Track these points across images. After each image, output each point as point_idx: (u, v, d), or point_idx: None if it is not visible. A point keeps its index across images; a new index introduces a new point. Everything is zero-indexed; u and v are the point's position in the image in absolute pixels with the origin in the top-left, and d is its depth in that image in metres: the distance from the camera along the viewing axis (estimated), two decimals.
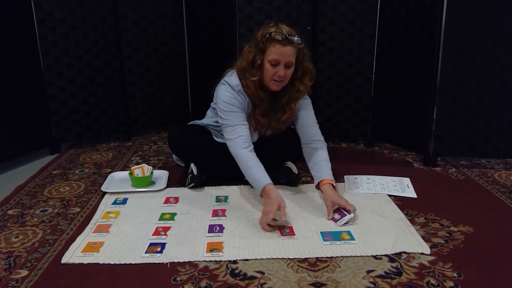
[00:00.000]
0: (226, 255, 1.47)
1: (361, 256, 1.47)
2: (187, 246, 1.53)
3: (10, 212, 1.82)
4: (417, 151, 2.47)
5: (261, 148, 2.05)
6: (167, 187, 2.03)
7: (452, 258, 1.46)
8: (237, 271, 1.39)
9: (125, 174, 2.13)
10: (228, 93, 1.85)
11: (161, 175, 2.13)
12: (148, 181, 2.03)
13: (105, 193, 1.98)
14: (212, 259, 1.45)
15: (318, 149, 1.93)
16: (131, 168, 2.04)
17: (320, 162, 1.89)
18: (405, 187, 2.01)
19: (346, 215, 1.66)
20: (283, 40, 1.72)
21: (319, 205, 1.84)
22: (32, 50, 2.39)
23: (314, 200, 1.89)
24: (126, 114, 2.76)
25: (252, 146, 1.85)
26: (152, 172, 2.05)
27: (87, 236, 1.61)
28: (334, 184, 1.82)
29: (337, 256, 1.46)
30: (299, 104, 1.94)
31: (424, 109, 2.30)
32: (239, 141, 1.81)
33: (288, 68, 1.78)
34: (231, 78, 1.88)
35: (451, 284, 1.32)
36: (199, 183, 2.01)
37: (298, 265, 1.42)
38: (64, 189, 2.05)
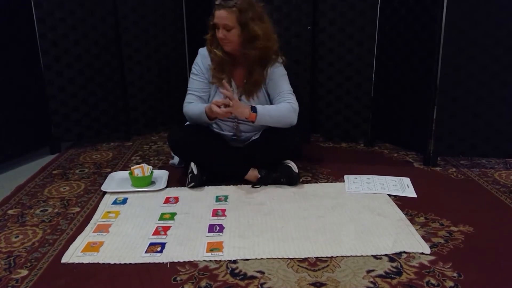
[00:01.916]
0: (226, 255, 1.47)
1: (361, 255, 1.47)
2: (187, 246, 1.53)
3: (10, 212, 1.82)
4: (417, 151, 2.47)
5: (259, 147, 2.07)
6: (167, 187, 2.03)
7: (452, 258, 1.46)
8: (237, 271, 1.39)
9: (125, 174, 2.13)
10: (195, 60, 2.10)
11: (161, 175, 2.13)
12: (148, 181, 2.03)
13: (105, 193, 1.98)
14: (212, 258, 1.45)
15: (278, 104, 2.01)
16: (131, 168, 2.04)
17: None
18: (405, 187, 2.01)
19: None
20: (219, 5, 1.88)
21: (319, 204, 1.84)
22: (32, 49, 2.39)
23: (314, 200, 1.89)
24: (126, 114, 2.76)
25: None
26: (152, 172, 2.05)
27: (87, 236, 1.61)
28: (255, 114, 1.90)
29: (337, 256, 1.47)
30: (271, 72, 2.02)
31: (424, 109, 2.30)
32: (187, 103, 2.07)
33: (228, 30, 1.90)
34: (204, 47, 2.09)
35: (451, 284, 1.32)
36: (199, 182, 2.01)
37: (298, 265, 1.42)
38: (64, 189, 2.05)
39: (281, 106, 1.99)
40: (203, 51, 2.08)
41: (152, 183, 2.06)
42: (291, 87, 2.07)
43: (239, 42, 1.93)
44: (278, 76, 2.04)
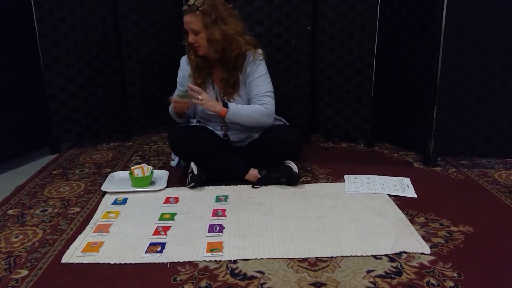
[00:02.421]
0: (226, 255, 1.47)
1: (361, 256, 1.47)
2: (187, 246, 1.53)
3: (10, 212, 1.82)
4: (417, 151, 2.47)
5: (259, 147, 2.07)
6: (167, 187, 2.03)
7: (452, 258, 1.46)
8: (237, 271, 1.39)
9: (125, 174, 2.13)
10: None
11: (161, 175, 2.13)
12: (148, 181, 2.03)
13: (105, 193, 1.98)
14: (212, 259, 1.45)
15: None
16: (131, 168, 2.04)
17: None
18: (405, 187, 2.01)
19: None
20: (184, 10, 1.93)
21: (319, 205, 1.84)
22: (32, 49, 2.39)
23: (314, 200, 1.89)
24: (126, 114, 2.76)
25: None
26: (152, 172, 2.05)
27: (87, 236, 1.61)
28: (226, 110, 1.95)
29: (337, 256, 1.47)
30: (251, 71, 2.02)
31: (424, 109, 2.30)
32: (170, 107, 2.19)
33: (195, 35, 1.94)
34: None
35: (451, 284, 1.32)
36: (199, 182, 2.01)
37: (298, 265, 1.42)
38: (64, 189, 2.05)
39: (255, 107, 2.00)
40: (182, 60, 2.15)
41: (152, 183, 2.06)
42: (272, 87, 2.07)
43: (207, 45, 1.96)
44: (257, 76, 2.03)
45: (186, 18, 1.93)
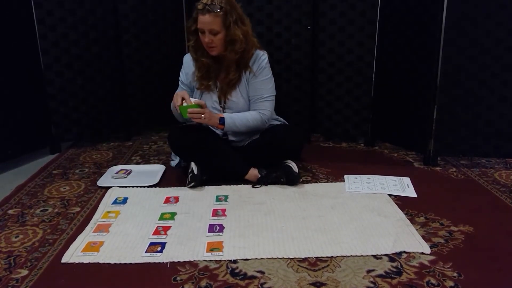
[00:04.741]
0: (226, 255, 1.47)
1: (361, 255, 1.47)
2: (187, 245, 1.53)
3: (10, 211, 1.82)
4: (417, 150, 2.47)
5: (260, 147, 2.07)
6: (167, 186, 2.04)
7: (452, 257, 1.46)
8: (237, 271, 1.39)
9: (123, 167, 2.24)
10: (182, 67, 2.12)
11: (157, 170, 2.19)
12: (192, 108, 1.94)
13: (105, 192, 1.98)
14: (212, 258, 1.45)
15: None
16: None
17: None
18: (405, 187, 2.01)
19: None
20: (203, 10, 1.85)
21: (319, 204, 1.84)
22: (32, 49, 2.39)
23: (314, 200, 1.89)
24: (126, 114, 2.76)
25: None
26: (195, 105, 1.95)
27: (87, 235, 1.61)
28: (222, 125, 1.99)
29: (337, 256, 1.47)
30: (256, 72, 2.01)
31: (424, 109, 2.30)
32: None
33: (214, 35, 1.88)
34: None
35: (451, 283, 1.32)
36: (199, 182, 2.01)
37: (298, 265, 1.42)
38: (64, 188, 2.05)
39: (251, 116, 2.03)
40: (187, 58, 2.10)
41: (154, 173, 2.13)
42: (274, 90, 2.08)
43: (223, 45, 1.93)
44: (262, 79, 2.04)
45: (205, 18, 1.86)
